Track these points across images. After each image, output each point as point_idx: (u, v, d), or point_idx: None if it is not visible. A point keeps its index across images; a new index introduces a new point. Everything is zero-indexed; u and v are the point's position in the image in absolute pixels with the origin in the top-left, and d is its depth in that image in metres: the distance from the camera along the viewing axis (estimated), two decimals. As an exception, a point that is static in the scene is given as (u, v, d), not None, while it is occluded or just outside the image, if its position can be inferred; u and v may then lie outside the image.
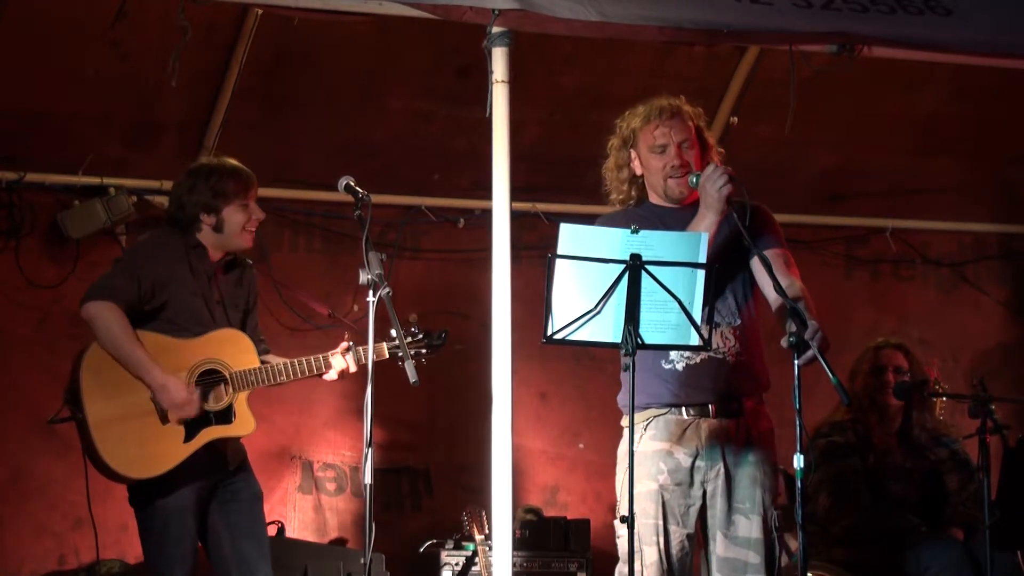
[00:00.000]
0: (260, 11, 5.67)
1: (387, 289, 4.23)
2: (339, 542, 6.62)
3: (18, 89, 5.89)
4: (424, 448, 6.84)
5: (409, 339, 5.09)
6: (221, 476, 4.90)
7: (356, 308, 6.52)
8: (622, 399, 4.45)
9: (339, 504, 6.76)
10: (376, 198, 4.46)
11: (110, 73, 5.96)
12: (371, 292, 4.24)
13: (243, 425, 4.86)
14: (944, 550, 5.68)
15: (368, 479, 4.16)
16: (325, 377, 5.00)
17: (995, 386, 5.56)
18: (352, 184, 4.46)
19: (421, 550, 6.32)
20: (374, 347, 4.79)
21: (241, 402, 4.85)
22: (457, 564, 6.09)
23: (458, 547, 6.15)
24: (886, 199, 7.28)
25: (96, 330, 4.74)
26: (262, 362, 4.92)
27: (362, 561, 4.18)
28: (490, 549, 5.56)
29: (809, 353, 4.03)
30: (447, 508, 6.60)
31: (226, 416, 4.83)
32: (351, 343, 4.97)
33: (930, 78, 6.60)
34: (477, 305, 5.43)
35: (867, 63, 5.13)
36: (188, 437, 4.76)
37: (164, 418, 4.75)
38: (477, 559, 5.92)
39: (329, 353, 4.97)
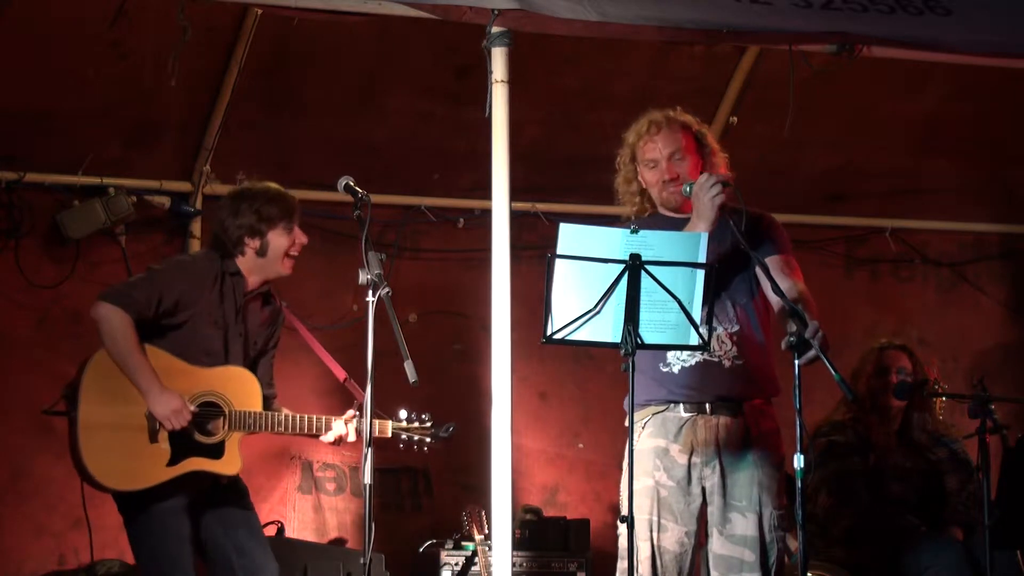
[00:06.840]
0: (260, 11, 5.67)
1: (387, 289, 4.24)
2: (339, 542, 6.62)
3: (18, 89, 5.89)
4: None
5: (416, 424, 5.14)
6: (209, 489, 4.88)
7: (356, 308, 6.50)
8: (627, 401, 4.49)
9: (339, 504, 6.75)
10: (376, 198, 4.47)
11: (110, 73, 5.96)
12: (370, 292, 4.25)
13: (229, 465, 4.82)
14: (944, 550, 5.68)
15: (368, 479, 4.16)
16: (322, 438, 5.01)
17: (995, 386, 5.56)
18: (351, 184, 4.46)
19: (421, 550, 6.31)
20: (377, 424, 4.88)
21: (233, 441, 4.81)
22: (457, 564, 6.09)
23: (458, 547, 6.14)
24: (886, 199, 7.28)
25: (102, 332, 4.72)
26: (265, 408, 4.90)
27: (362, 561, 4.17)
28: (490, 549, 5.56)
29: (811, 352, 4.04)
30: (447, 508, 6.59)
31: (215, 451, 4.79)
32: (357, 413, 4.95)
33: (930, 78, 6.59)
34: (477, 305, 5.43)
35: (867, 63, 5.13)
36: (172, 461, 4.73)
37: (153, 436, 4.71)
38: (477, 559, 5.91)
39: (332, 418, 4.98)
